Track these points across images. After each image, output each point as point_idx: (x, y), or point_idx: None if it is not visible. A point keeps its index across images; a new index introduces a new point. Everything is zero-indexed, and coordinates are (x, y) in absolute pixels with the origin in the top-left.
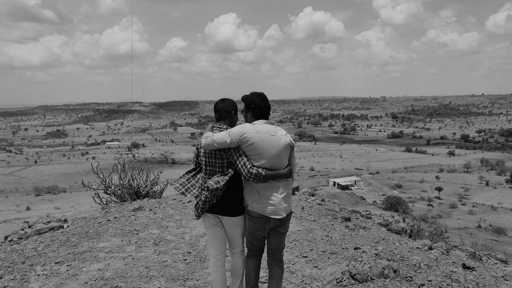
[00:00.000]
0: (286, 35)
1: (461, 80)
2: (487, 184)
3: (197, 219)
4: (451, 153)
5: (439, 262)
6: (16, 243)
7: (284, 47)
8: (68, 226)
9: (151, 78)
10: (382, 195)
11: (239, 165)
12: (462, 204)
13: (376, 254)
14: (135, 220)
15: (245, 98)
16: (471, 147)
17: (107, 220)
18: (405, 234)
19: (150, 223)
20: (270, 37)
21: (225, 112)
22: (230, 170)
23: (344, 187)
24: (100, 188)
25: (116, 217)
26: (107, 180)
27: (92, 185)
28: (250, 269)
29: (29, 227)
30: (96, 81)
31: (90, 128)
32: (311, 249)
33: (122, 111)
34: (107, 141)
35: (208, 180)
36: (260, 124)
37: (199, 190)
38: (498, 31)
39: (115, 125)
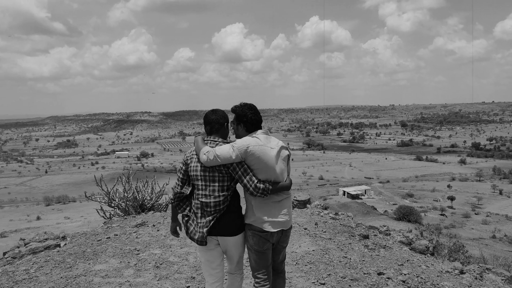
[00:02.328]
0: (293, 44)
1: (470, 87)
2: (500, 193)
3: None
4: (462, 162)
5: None
6: (9, 263)
7: (291, 56)
8: (65, 244)
9: (159, 88)
10: (393, 204)
11: (245, 181)
12: (475, 214)
13: (404, 282)
14: (136, 237)
15: (236, 110)
16: (482, 155)
17: (107, 238)
18: (429, 254)
19: (152, 242)
20: (277, 47)
21: (217, 125)
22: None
23: (354, 196)
24: (103, 201)
25: (117, 234)
26: (111, 193)
27: (95, 198)
28: None
29: (25, 245)
30: (105, 91)
31: (100, 138)
32: (329, 274)
33: (131, 121)
34: (117, 151)
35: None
36: (260, 136)
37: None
38: (506, 37)
39: (124, 135)
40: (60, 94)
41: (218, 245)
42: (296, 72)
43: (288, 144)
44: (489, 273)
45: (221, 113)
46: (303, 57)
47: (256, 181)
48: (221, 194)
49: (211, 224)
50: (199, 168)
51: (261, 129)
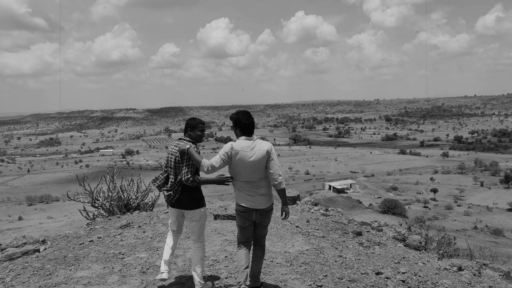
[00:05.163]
0: (279, 39)
1: (453, 81)
2: (481, 185)
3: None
4: (445, 155)
5: (474, 286)
6: None
7: (277, 52)
8: (45, 249)
9: (143, 84)
10: (378, 197)
11: (183, 171)
12: (457, 205)
13: (403, 281)
14: (121, 240)
15: (232, 118)
16: (464, 148)
17: (89, 241)
18: (424, 250)
19: (138, 244)
20: (263, 42)
21: (187, 128)
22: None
23: (339, 191)
24: (87, 201)
25: (100, 237)
26: (95, 192)
27: (78, 198)
28: (241, 255)
29: (1, 250)
30: (89, 88)
31: (84, 135)
32: (325, 275)
33: (116, 118)
34: (101, 149)
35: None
36: (239, 141)
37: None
38: (488, 32)
39: (109, 132)
40: (42, 91)
41: (183, 216)
42: (282, 67)
43: (274, 139)
44: (486, 269)
45: (191, 121)
46: (288, 52)
47: (189, 173)
48: (176, 177)
49: (175, 196)
50: (172, 160)
51: (252, 132)
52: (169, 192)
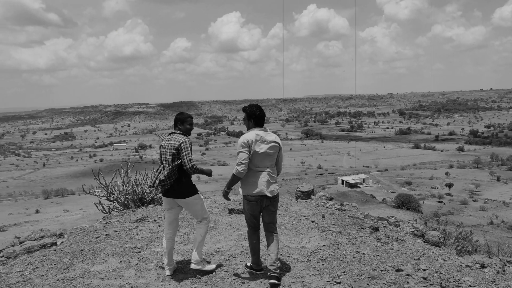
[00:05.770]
0: (290, 33)
1: (468, 74)
2: (498, 180)
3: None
4: (460, 149)
5: (498, 285)
6: (3, 263)
7: (288, 45)
8: (62, 242)
9: (156, 79)
10: (392, 192)
11: (184, 160)
12: (473, 201)
13: (425, 278)
14: (137, 234)
15: (246, 110)
16: (480, 143)
17: (106, 235)
18: (444, 246)
19: (154, 238)
20: (274, 36)
21: (178, 122)
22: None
23: (352, 185)
24: (102, 195)
25: (116, 231)
26: (110, 186)
27: (93, 192)
28: (253, 241)
29: (20, 243)
30: (102, 83)
31: (98, 130)
32: (344, 272)
33: (129, 112)
34: (115, 143)
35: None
36: (257, 131)
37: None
38: (504, 24)
39: (122, 126)
40: (57, 86)
41: (176, 204)
42: (294, 61)
43: (286, 134)
44: (510, 266)
45: (180, 116)
46: (300, 46)
47: (192, 161)
48: (169, 168)
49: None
50: (168, 154)
51: (264, 124)
52: (165, 182)
